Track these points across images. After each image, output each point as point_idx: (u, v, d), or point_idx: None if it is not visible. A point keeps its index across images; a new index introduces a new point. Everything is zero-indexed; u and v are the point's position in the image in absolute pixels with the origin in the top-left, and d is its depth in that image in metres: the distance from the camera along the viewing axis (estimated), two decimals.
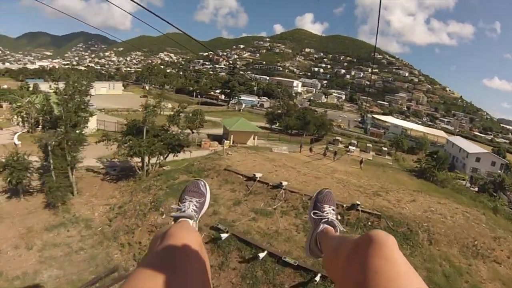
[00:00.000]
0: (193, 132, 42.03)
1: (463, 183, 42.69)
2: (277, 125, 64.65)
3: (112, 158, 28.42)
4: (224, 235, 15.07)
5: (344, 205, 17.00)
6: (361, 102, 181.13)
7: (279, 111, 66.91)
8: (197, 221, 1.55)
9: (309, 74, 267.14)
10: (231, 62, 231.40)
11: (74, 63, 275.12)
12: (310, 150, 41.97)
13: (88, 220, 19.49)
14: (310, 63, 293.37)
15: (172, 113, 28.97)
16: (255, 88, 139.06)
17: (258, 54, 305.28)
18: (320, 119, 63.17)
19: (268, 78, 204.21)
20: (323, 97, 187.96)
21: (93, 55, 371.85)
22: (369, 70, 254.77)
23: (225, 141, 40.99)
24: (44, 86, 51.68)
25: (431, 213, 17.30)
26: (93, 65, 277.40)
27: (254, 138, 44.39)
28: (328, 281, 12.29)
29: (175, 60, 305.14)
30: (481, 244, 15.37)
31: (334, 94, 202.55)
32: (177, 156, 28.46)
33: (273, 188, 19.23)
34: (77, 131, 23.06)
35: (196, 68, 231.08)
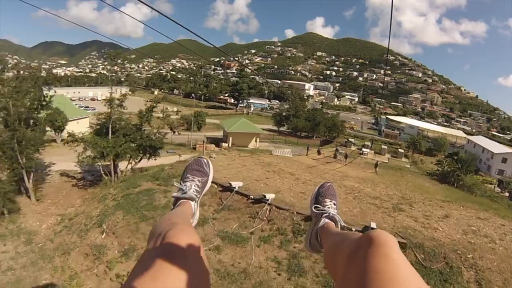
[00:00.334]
0: (174, 133, 39.05)
1: (491, 188, 38.30)
2: (285, 127, 61.29)
3: (77, 162, 23.94)
4: None
5: (354, 229, 12.20)
6: (374, 104, 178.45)
7: (287, 113, 63.57)
8: (199, 201, 1.52)
9: (321, 77, 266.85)
10: (241, 62, 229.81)
11: (87, 70, 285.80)
12: (318, 152, 38.07)
13: (31, 233, 16.55)
14: (322, 67, 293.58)
15: (176, 116, 25.86)
16: (266, 91, 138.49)
17: (269, 59, 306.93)
18: (331, 120, 59.40)
19: (279, 81, 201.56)
20: (336, 99, 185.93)
21: (105, 63, 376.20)
22: (382, 71, 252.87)
23: (223, 144, 38.04)
24: None
25: (473, 236, 12.62)
26: (105, 72, 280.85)
27: (256, 141, 40.87)
28: None
29: (187, 66, 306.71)
30: None
31: (346, 96, 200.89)
32: (155, 159, 25.01)
33: (254, 203, 14.80)
34: (32, 130, 20.13)
35: (207, 73, 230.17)
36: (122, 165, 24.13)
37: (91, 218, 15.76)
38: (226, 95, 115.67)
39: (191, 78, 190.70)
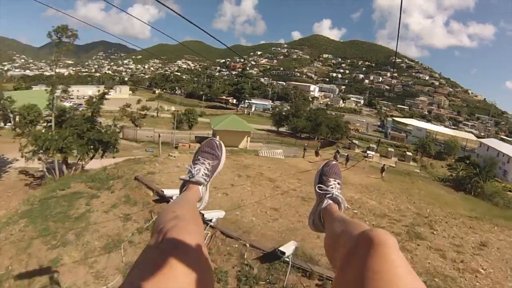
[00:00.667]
0: (136, 126, 35.55)
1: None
2: (285, 127, 57.66)
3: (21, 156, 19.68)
4: None
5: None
6: (380, 107, 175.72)
7: (286, 112, 59.91)
8: (208, 185, 1.51)
9: (327, 79, 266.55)
10: (246, 59, 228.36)
11: (93, 70, 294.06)
12: (316, 154, 33.79)
13: None
14: (328, 69, 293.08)
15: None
16: (270, 92, 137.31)
17: (275, 60, 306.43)
18: (334, 121, 55.60)
19: (284, 83, 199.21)
20: (341, 101, 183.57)
21: (112, 63, 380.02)
22: (388, 74, 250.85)
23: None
24: None
25: None
26: (110, 72, 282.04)
27: (247, 140, 36.96)
28: None
29: (193, 68, 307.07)
30: None
31: (352, 98, 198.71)
32: (113, 157, 20.69)
33: None
34: None
35: (210, 73, 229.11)
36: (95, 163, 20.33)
37: None
38: (228, 95, 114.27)
39: (195, 78, 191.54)
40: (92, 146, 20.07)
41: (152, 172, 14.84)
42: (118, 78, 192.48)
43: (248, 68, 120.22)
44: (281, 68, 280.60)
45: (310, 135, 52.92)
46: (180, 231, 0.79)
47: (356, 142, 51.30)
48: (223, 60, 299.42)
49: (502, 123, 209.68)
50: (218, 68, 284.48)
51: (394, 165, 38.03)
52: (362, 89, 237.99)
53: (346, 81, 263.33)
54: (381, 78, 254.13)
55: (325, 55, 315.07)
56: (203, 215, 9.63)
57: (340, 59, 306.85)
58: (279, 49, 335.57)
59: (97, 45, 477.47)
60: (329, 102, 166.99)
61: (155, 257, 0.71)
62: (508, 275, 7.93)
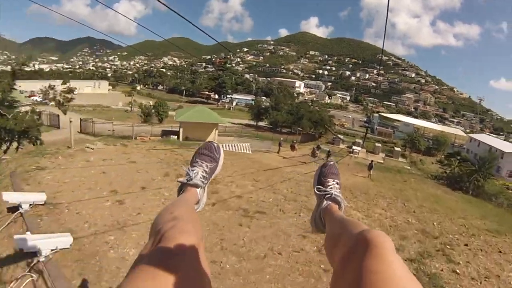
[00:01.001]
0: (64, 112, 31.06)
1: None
2: (265, 122, 53.50)
3: None
4: None
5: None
6: (366, 103, 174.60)
7: (266, 105, 55.70)
8: (206, 188, 1.49)
9: (313, 76, 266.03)
10: (233, 53, 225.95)
11: (77, 66, 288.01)
12: (292, 148, 29.34)
13: None
14: (314, 66, 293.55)
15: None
16: (254, 87, 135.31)
17: (261, 57, 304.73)
18: (318, 114, 51.60)
19: (269, 79, 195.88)
20: (327, 97, 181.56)
21: (97, 60, 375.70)
22: (375, 71, 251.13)
23: (172, 136, 30.32)
24: None
25: None
26: (94, 68, 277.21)
27: (215, 133, 32.23)
28: None
29: (178, 64, 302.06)
30: None
31: (338, 95, 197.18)
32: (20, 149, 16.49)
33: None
34: None
35: (194, 69, 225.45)
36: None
37: None
38: (210, 90, 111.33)
39: (179, 74, 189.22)
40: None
41: (43, 167, 10.74)
42: (99, 74, 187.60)
43: (231, 63, 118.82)
44: (267, 65, 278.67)
45: (292, 130, 48.99)
46: (179, 231, 0.79)
47: (341, 137, 47.94)
48: (209, 57, 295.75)
49: (487, 120, 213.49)
50: (204, 64, 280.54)
51: (382, 161, 34.65)
52: (349, 86, 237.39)
53: (333, 78, 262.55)
54: (367, 75, 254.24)
55: (311, 52, 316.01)
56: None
57: (327, 56, 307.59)
58: (266, 46, 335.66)
59: (82, 41, 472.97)
60: (314, 98, 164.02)
61: (153, 258, 0.70)
62: None
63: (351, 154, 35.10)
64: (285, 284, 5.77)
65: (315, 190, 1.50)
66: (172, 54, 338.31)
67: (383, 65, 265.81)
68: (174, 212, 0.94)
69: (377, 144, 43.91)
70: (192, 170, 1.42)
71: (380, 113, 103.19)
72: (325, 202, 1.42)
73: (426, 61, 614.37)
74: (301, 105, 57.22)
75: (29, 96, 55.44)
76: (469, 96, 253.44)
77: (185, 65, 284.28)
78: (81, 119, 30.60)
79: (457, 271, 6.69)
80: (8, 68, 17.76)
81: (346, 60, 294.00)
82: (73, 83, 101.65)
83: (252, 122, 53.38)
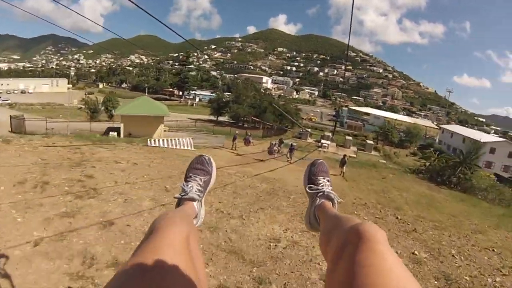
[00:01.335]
0: None
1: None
2: (226, 116, 49.31)
3: None
4: None
5: None
6: (335, 98, 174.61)
7: (226, 99, 51.44)
8: (202, 201, 1.48)
9: (281, 72, 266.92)
10: (198, 54, 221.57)
11: (40, 65, 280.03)
12: (246, 142, 25.04)
13: None
14: (282, 62, 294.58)
15: None
16: (220, 84, 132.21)
17: (229, 54, 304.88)
18: (283, 107, 47.73)
19: (236, 75, 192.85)
20: (295, 93, 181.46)
21: (61, 58, 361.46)
22: (343, 67, 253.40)
23: (111, 133, 25.57)
24: None
25: None
26: (58, 67, 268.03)
27: (161, 128, 27.34)
28: None
29: (145, 62, 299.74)
30: None
31: (306, 90, 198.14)
32: None
33: None
34: None
35: (159, 66, 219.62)
36: None
37: None
38: (174, 86, 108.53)
39: (144, 71, 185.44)
40: None
41: None
42: (60, 72, 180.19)
43: (199, 61, 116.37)
44: (235, 62, 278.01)
45: (256, 124, 45.01)
46: (171, 224, 0.79)
47: (309, 130, 44.52)
48: (177, 54, 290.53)
49: (452, 113, 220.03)
50: (171, 62, 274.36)
51: (354, 156, 31.21)
52: (317, 82, 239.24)
53: (301, 74, 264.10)
54: (336, 71, 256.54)
55: (280, 49, 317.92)
56: None
57: (295, 53, 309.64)
58: (234, 43, 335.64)
59: (46, 39, 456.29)
60: (282, 94, 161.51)
61: (141, 253, 0.69)
62: None
63: (320, 149, 31.90)
64: None
65: (307, 189, 1.48)
66: (139, 52, 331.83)
67: (351, 61, 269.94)
68: (169, 214, 0.93)
69: (347, 137, 40.90)
70: (187, 185, 1.39)
71: (349, 107, 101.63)
72: (318, 200, 1.40)
73: (393, 57, 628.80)
74: (265, 97, 53.48)
75: None
76: (435, 91, 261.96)
77: (152, 63, 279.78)
78: (11, 116, 25.55)
79: None
80: None
81: (314, 57, 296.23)
82: (29, 82, 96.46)
83: (212, 117, 49.23)
